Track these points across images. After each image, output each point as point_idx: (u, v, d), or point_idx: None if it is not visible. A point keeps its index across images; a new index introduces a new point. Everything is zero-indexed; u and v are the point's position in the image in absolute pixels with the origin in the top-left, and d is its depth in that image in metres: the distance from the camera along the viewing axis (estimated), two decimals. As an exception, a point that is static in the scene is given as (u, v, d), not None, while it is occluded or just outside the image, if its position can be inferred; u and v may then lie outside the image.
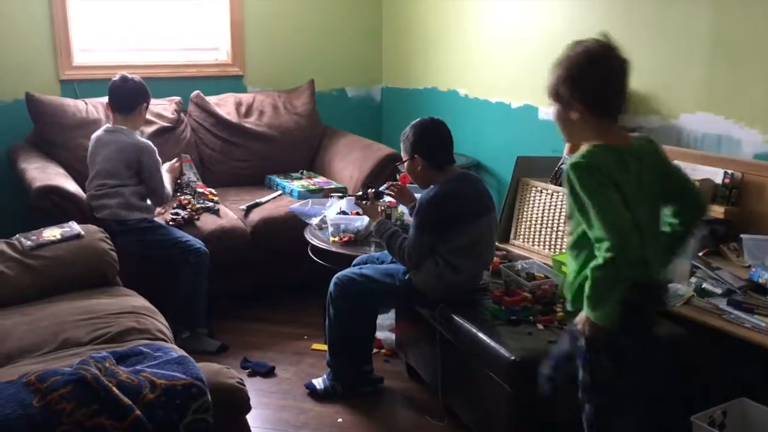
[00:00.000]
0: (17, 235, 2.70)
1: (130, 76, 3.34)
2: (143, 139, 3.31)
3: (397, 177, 3.10)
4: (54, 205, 3.16)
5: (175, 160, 3.64)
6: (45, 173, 3.30)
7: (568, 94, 1.83)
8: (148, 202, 3.32)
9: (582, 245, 1.83)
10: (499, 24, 3.92)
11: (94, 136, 3.31)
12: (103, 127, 3.33)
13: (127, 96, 3.29)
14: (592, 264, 1.73)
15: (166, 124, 3.98)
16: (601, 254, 1.70)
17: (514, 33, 3.81)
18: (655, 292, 1.92)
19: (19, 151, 3.65)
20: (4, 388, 1.64)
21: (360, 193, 2.94)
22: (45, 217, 3.08)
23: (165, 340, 2.26)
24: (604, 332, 1.76)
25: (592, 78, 1.82)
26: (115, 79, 3.32)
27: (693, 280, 2.60)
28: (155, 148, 3.29)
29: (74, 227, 2.79)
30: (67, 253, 2.65)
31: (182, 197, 3.62)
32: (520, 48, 3.77)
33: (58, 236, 2.71)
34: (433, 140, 2.68)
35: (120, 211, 3.16)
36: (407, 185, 3.00)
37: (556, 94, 1.89)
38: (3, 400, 1.57)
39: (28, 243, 2.64)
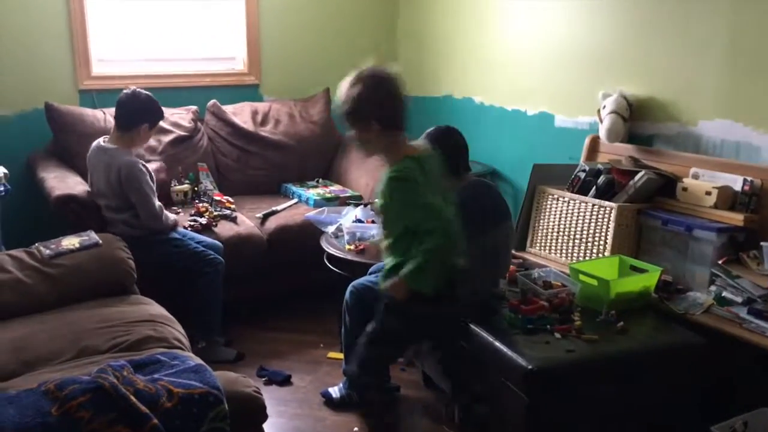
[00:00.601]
0: (36, 244, 2.72)
1: (142, 92, 3.24)
2: (130, 159, 3.15)
3: None
4: (73, 214, 3.18)
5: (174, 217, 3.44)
6: (64, 182, 3.34)
7: (365, 116, 2.11)
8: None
9: (398, 248, 2.19)
10: (515, 31, 3.91)
11: (93, 145, 3.25)
12: (101, 139, 3.25)
13: (130, 113, 3.19)
14: (423, 246, 2.06)
15: (183, 133, 4.00)
16: (432, 240, 2.05)
17: (530, 40, 3.80)
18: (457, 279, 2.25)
19: (38, 161, 3.69)
20: (24, 396, 1.65)
21: (378, 200, 2.93)
22: (64, 225, 3.10)
23: (182, 349, 2.27)
24: (407, 297, 2.15)
25: (383, 99, 2.12)
26: (126, 91, 3.24)
27: (712, 288, 2.58)
28: (143, 170, 3.17)
29: (92, 236, 2.82)
30: (86, 262, 2.67)
31: (200, 205, 3.64)
32: (536, 55, 3.77)
33: (77, 245, 2.74)
34: (450, 148, 2.67)
35: (126, 229, 3.11)
36: None
37: (352, 119, 2.15)
38: (22, 408, 1.58)
39: (47, 252, 2.66)
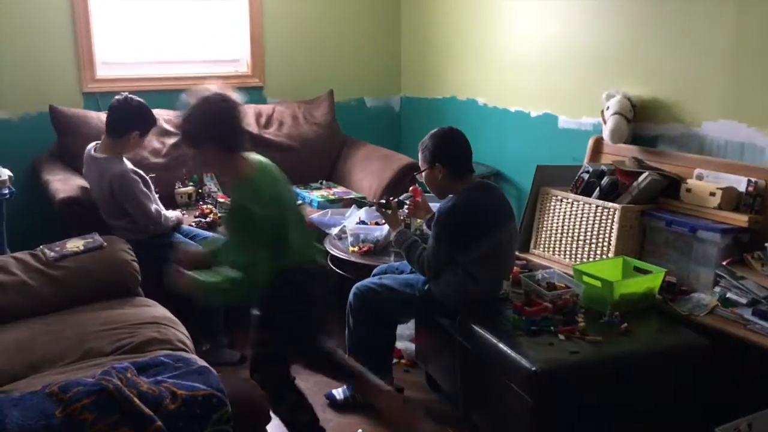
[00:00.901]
0: (41, 246, 2.73)
1: (134, 98, 3.18)
2: (120, 168, 3.11)
3: (410, 190, 3.07)
4: (77, 216, 3.19)
5: (177, 213, 3.46)
6: (68, 184, 3.35)
7: (204, 139, 2.19)
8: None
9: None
10: (518, 33, 3.91)
11: (85, 153, 3.23)
12: (92, 146, 3.21)
13: (120, 119, 3.13)
14: (233, 276, 2.12)
15: (187, 136, 4.00)
16: (242, 277, 2.11)
17: (534, 42, 3.80)
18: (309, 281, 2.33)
19: (43, 163, 3.71)
20: (28, 398, 1.66)
21: (383, 200, 2.93)
22: (68, 227, 3.11)
23: (186, 351, 2.27)
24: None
25: (221, 122, 2.19)
26: (118, 97, 3.18)
27: (717, 289, 2.57)
28: (134, 178, 3.13)
29: (97, 238, 2.83)
30: (90, 265, 2.67)
31: (204, 206, 3.65)
32: (540, 57, 3.76)
33: (81, 247, 2.74)
34: (453, 149, 2.68)
35: (127, 234, 3.08)
36: (423, 196, 2.99)
37: (191, 142, 2.23)
38: (26, 410, 1.59)
39: (52, 254, 2.67)
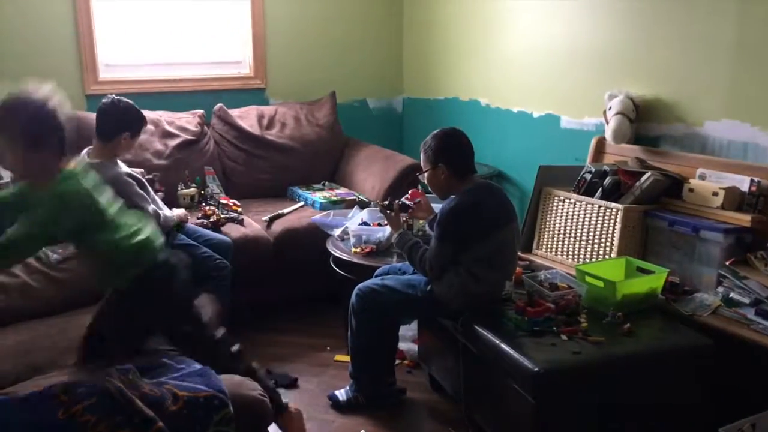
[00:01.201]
0: (44, 248, 2.73)
1: (122, 99, 3.12)
2: (113, 172, 3.04)
3: (409, 193, 3.07)
4: (80, 218, 3.19)
5: (183, 212, 3.43)
6: (71, 187, 3.34)
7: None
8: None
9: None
10: (520, 33, 3.91)
11: (80, 157, 3.09)
12: (85, 151, 3.15)
13: (108, 123, 3.07)
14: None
15: (189, 137, 4.02)
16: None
17: (536, 42, 3.80)
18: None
19: (46, 165, 3.70)
20: (33, 398, 1.66)
21: (386, 201, 2.92)
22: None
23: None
24: None
25: (25, 122, 2.02)
26: (105, 100, 3.13)
27: (720, 289, 2.56)
28: (125, 179, 3.08)
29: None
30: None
31: (207, 208, 3.65)
32: (542, 57, 3.76)
33: (84, 250, 2.74)
34: (456, 149, 2.68)
35: None
36: (424, 197, 2.99)
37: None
38: (29, 411, 1.59)
39: (55, 256, 2.68)
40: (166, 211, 3.27)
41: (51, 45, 3.93)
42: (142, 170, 3.51)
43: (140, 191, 3.15)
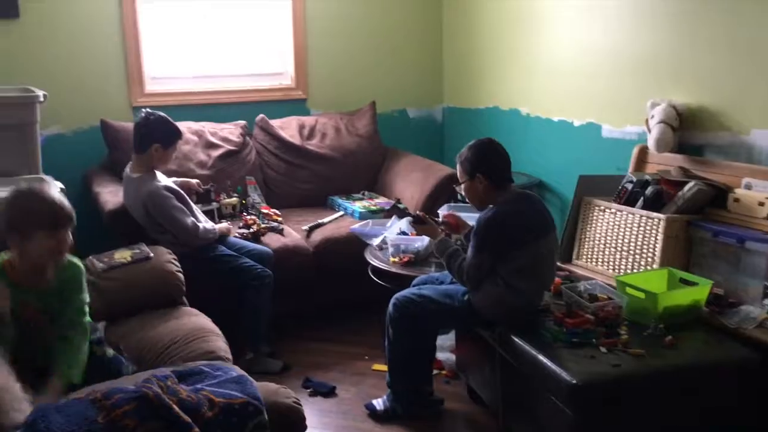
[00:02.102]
0: (90, 257, 2.81)
1: (155, 113, 3.26)
2: (149, 187, 3.18)
3: (440, 215, 3.08)
4: (125, 227, 3.28)
5: (226, 225, 3.51)
6: (117, 197, 3.44)
7: None
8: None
9: None
10: (560, 41, 3.88)
11: (125, 171, 3.33)
12: (128, 166, 3.30)
13: (140, 135, 3.22)
14: None
15: (232, 148, 4.09)
16: None
17: (577, 50, 3.76)
18: None
19: (93, 175, 3.82)
20: (72, 404, 1.71)
21: (415, 215, 2.92)
22: (117, 238, 3.20)
23: (225, 359, 2.31)
24: None
25: None
26: (141, 114, 3.27)
27: (767, 301, 2.49)
28: (165, 195, 3.18)
29: (144, 249, 2.89)
30: (137, 276, 2.73)
31: (248, 217, 3.71)
32: (583, 66, 3.72)
33: (129, 258, 2.81)
34: (494, 159, 2.67)
35: (172, 247, 3.06)
36: (458, 218, 2.99)
37: None
38: (70, 416, 1.63)
39: (101, 265, 2.74)
40: (207, 224, 3.33)
41: (99, 59, 4.05)
42: (198, 181, 3.60)
43: (179, 204, 3.22)
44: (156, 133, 3.22)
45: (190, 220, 3.22)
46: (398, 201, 3.08)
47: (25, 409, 1.74)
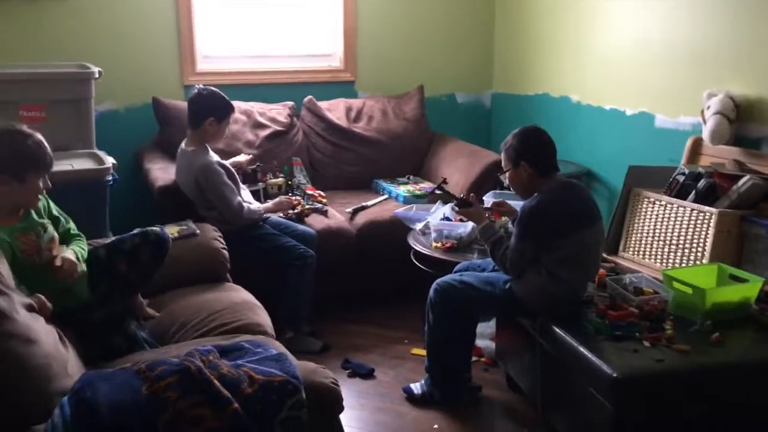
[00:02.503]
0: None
1: (207, 88, 3.30)
2: (203, 160, 3.23)
3: (485, 202, 3.05)
4: (174, 204, 3.34)
5: (281, 199, 3.58)
6: (167, 173, 3.50)
7: None
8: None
9: None
10: (614, 27, 3.79)
11: (180, 146, 3.38)
12: (183, 143, 3.35)
13: (194, 110, 3.27)
14: None
15: (279, 128, 4.12)
16: None
17: (631, 37, 3.67)
18: None
19: (145, 152, 3.89)
20: (118, 374, 1.76)
21: (458, 198, 2.89)
22: (166, 214, 3.26)
23: (268, 335, 2.35)
24: None
25: None
26: (193, 91, 3.33)
27: (821, 302, 2.41)
28: (217, 170, 3.23)
29: (191, 226, 2.95)
30: (184, 251, 2.78)
31: (293, 198, 3.74)
32: (637, 53, 3.63)
33: (176, 234, 2.86)
34: (538, 147, 2.63)
35: (217, 224, 3.13)
36: (505, 204, 2.96)
37: None
38: (116, 385, 1.68)
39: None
40: (252, 205, 3.37)
41: (153, 37, 4.11)
42: (251, 156, 3.65)
43: (228, 181, 3.26)
44: (209, 107, 3.26)
45: (236, 199, 3.27)
46: (444, 181, 3.04)
47: (74, 375, 1.80)
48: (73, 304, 2.20)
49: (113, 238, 2.45)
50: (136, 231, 2.42)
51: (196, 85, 3.38)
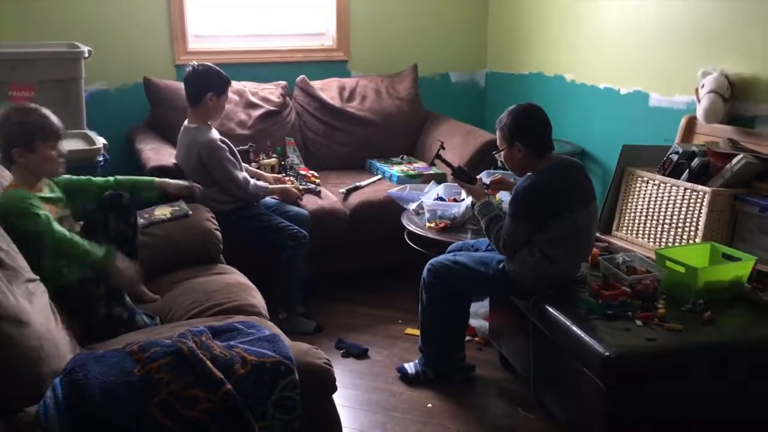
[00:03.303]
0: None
1: (202, 64, 3.30)
2: (206, 137, 3.23)
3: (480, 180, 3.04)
4: (165, 184, 3.32)
5: (285, 186, 3.56)
6: (159, 154, 3.48)
7: None
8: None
9: None
10: (609, 7, 3.76)
11: (183, 124, 3.37)
12: (186, 121, 3.34)
13: (192, 87, 3.26)
14: None
15: (271, 108, 4.09)
16: None
17: (626, 16, 3.64)
18: None
19: (136, 133, 3.87)
20: (110, 355, 1.75)
21: (458, 168, 2.86)
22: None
23: (261, 316, 2.34)
24: None
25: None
26: (187, 69, 3.31)
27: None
28: (220, 146, 3.23)
29: (183, 206, 2.94)
30: (176, 232, 2.78)
31: (286, 178, 3.72)
32: (631, 31, 3.61)
33: (168, 215, 2.86)
34: (533, 126, 2.60)
35: (213, 204, 3.15)
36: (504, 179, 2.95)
37: None
38: (108, 366, 1.68)
39: (141, 221, 2.78)
40: (260, 182, 3.38)
41: (144, 16, 4.07)
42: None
43: (231, 158, 3.26)
44: (206, 82, 3.25)
45: (241, 174, 3.28)
46: (442, 146, 2.99)
47: (66, 356, 1.80)
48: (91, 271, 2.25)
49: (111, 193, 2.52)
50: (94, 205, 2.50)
51: (190, 63, 3.35)
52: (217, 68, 3.31)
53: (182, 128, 3.35)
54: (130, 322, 2.26)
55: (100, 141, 3.20)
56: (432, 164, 3.40)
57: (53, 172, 2.35)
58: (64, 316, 2.03)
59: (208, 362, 1.69)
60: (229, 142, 3.35)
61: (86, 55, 3.33)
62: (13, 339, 1.65)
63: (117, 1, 3.99)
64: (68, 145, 3.10)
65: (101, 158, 3.14)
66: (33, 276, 1.96)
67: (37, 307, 1.84)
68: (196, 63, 3.32)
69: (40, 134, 2.25)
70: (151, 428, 1.59)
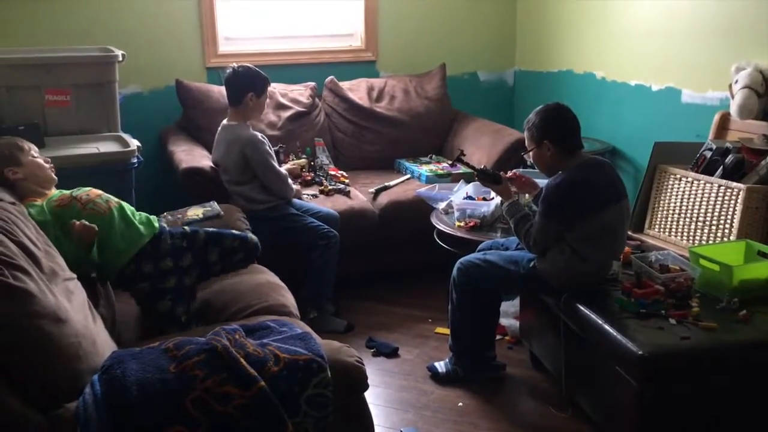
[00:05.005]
0: (164, 213, 2.90)
1: (242, 65, 3.37)
2: (249, 132, 3.30)
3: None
4: (198, 186, 3.37)
5: (292, 164, 3.71)
6: (191, 155, 3.53)
7: None
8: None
9: None
10: (640, 2, 3.72)
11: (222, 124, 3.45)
12: (225, 121, 3.41)
13: (233, 88, 3.33)
14: None
15: (301, 109, 4.12)
16: None
17: (656, 11, 3.60)
18: None
19: (169, 135, 3.92)
20: (146, 353, 1.78)
21: (478, 170, 2.85)
22: (190, 195, 3.29)
23: (292, 315, 2.37)
24: None
25: None
26: (228, 71, 3.38)
27: None
28: (262, 140, 3.31)
29: (215, 207, 2.98)
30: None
31: (297, 166, 3.76)
32: (662, 27, 3.57)
33: (201, 215, 2.90)
34: (561, 125, 2.59)
35: (245, 204, 3.24)
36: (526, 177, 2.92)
37: None
38: (144, 363, 1.71)
39: (171, 219, 2.83)
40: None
41: (175, 19, 4.12)
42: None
43: (271, 151, 3.35)
44: (247, 83, 3.32)
45: (283, 169, 3.38)
46: (462, 153, 2.99)
47: (103, 353, 1.83)
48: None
49: (216, 230, 2.60)
50: (236, 233, 2.61)
51: (229, 65, 3.42)
52: (257, 69, 3.38)
53: (221, 127, 3.41)
54: (186, 326, 2.31)
55: (134, 143, 3.26)
56: (453, 165, 3.40)
57: (49, 177, 2.48)
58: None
59: (241, 360, 1.71)
60: (266, 138, 3.41)
61: (120, 59, 3.39)
62: (52, 336, 1.68)
63: (149, 7, 4.05)
64: (103, 147, 3.19)
65: (135, 160, 3.19)
66: (71, 275, 2.00)
67: (75, 305, 1.88)
68: (236, 65, 3.39)
69: (17, 148, 2.44)
70: (185, 424, 1.61)
